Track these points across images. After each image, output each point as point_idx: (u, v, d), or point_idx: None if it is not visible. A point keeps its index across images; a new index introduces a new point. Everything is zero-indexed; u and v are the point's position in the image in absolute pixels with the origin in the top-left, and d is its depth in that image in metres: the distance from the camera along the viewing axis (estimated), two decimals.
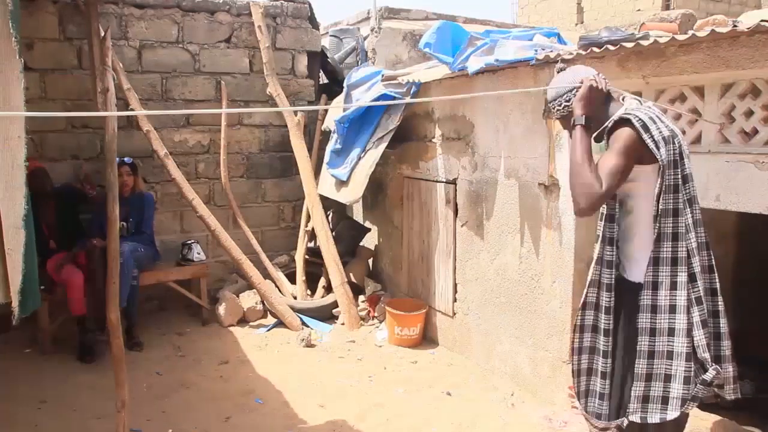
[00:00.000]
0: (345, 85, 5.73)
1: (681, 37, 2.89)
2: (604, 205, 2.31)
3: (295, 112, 6.22)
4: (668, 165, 2.14)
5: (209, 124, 6.10)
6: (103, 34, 4.74)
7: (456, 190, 4.80)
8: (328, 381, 4.44)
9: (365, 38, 7.43)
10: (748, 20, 2.92)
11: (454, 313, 4.92)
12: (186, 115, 6.02)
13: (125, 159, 5.16)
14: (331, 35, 7.68)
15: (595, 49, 3.29)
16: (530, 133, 4.01)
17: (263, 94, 6.25)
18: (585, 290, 2.40)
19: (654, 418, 2.21)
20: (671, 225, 2.20)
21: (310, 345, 5.11)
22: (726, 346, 2.29)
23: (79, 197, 5.17)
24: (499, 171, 4.31)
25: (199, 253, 5.71)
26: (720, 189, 2.87)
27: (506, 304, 4.33)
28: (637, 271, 2.26)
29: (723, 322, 2.29)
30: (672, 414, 2.19)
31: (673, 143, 2.17)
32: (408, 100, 5.07)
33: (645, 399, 2.22)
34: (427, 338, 5.24)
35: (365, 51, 7.29)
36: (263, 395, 4.19)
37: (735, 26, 2.73)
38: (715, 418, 3.09)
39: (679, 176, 2.18)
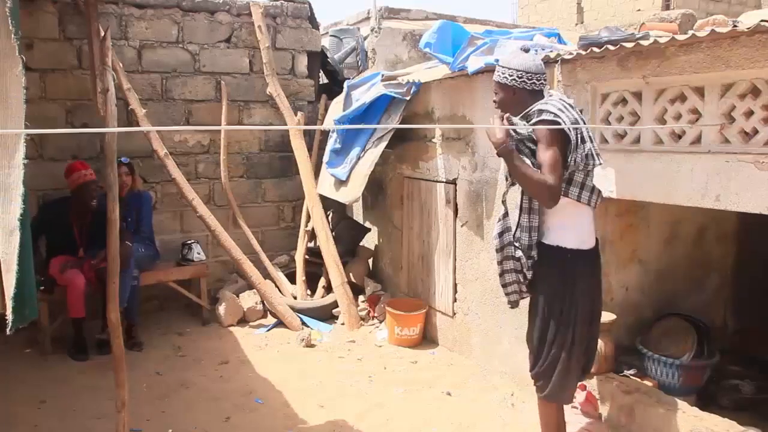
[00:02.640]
0: (345, 85, 5.73)
1: (681, 37, 2.89)
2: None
3: (295, 112, 6.22)
4: (575, 145, 2.69)
5: (209, 124, 6.10)
6: (103, 34, 4.73)
7: (456, 190, 4.79)
8: (328, 381, 4.44)
9: (365, 38, 7.43)
10: (748, 20, 2.92)
11: (454, 313, 4.92)
12: (186, 115, 6.02)
13: (122, 159, 5.14)
14: (331, 35, 7.68)
15: (595, 49, 3.29)
16: None
17: (263, 94, 6.26)
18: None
19: None
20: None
21: (310, 345, 5.11)
22: None
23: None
24: (499, 171, 4.30)
25: (199, 253, 5.71)
26: (720, 189, 2.87)
27: (506, 304, 4.31)
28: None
29: None
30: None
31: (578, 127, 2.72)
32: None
33: None
34: (427, 338, 5.24)
35: (365, 51, 7.30)
36: (263, 395, 4.19)
37: (735, 26, 2.73)
38: (715, 418, 3.08)
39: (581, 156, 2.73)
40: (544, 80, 2.87)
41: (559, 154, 2.66)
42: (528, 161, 2.74)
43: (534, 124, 2.72)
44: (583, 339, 2.88)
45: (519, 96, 2.84)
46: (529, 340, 3.02)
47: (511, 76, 2.83)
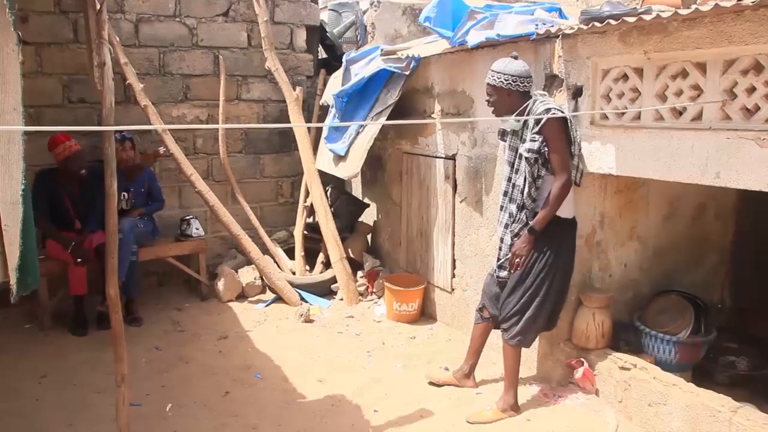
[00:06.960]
0: (344, 60, 5.67)
1: (684, 12, 2.85)
2: (531, 171, 3.33)
3: (294, 86, 6.17)
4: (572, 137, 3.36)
5: (207, 99, 6.06)
6: (99, 6, 4.65)
7: (455, 166, 4.77)
8: (327, 356, 4.47)
9: (364, 12, 7.33)
10: None
11: (453, 289, 4.93)
12: (183, 90, 5.97)
13: (125, 134, 5.12)
14: (330, 9, 7.59)
15: (597, 24, 3.25)
16: None
17: (262, 68, 6.20)
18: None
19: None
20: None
21: (308, 320, 5.13)
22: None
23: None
24: (498, 147, 4.28)
25: (197, 229, 5.71)
26: (720, 166, 2.85)
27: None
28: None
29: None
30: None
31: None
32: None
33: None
34: (425, 314, 5.26)
35: (364, 25, 7.21)
36: (262, 370, 4.21)
37: (739, 0, 2.69)
38: (711, 394, 3.10)
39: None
40: (531, 83, 3.42)
41: (566, 147, 3.29)
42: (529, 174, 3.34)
43: (545, 119, 3.22)
44: (555, 292, 3.47)
45: (513, 97, 3.39)
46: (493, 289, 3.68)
47: (507, 80, 3.35)
